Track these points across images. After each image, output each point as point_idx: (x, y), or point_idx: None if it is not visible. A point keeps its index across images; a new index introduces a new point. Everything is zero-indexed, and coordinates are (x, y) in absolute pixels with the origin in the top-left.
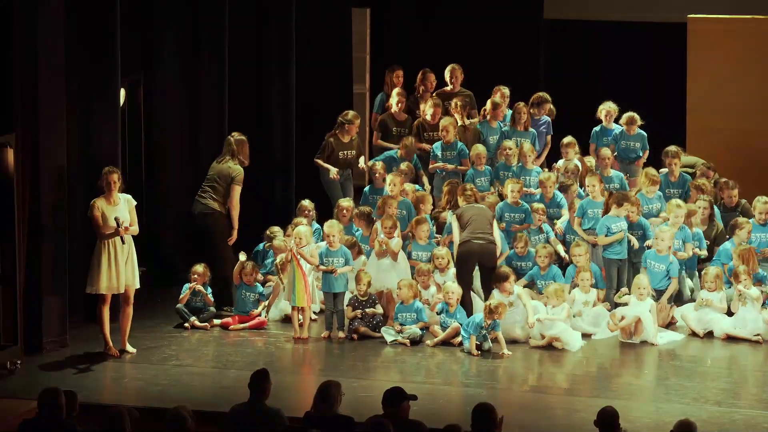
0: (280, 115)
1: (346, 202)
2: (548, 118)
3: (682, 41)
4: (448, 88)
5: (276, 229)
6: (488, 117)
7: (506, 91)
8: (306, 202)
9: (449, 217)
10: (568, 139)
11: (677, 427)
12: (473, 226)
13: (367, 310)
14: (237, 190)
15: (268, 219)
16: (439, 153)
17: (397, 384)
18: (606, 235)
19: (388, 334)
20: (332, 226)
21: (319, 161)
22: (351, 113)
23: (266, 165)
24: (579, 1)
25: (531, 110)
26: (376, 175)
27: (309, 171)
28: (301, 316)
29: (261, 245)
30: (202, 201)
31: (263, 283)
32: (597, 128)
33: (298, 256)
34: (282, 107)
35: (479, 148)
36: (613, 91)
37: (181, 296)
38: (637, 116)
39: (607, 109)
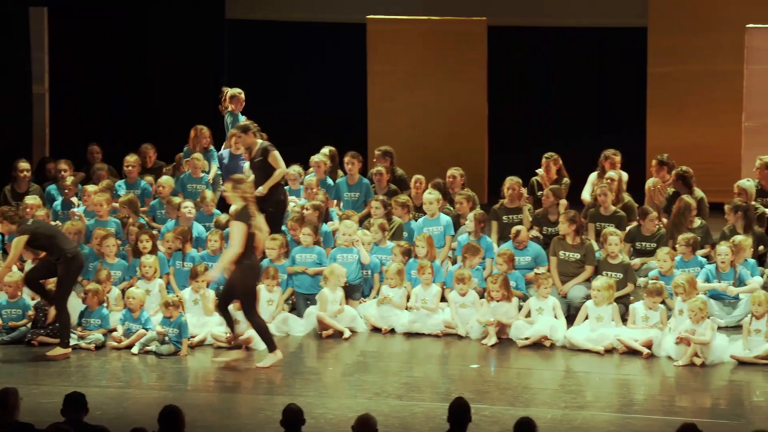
0: None
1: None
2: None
3: (363, 42)
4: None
5: None
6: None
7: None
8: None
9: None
10: None
11: (356, 421)
12: None
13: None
14: None
15: None
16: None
17: (79, 389)
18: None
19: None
20: None
21: None
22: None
23: None
24: (260, 2)
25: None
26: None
27: None
28: None
29: None
30: None
31: None
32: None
33: None
34: None
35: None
36: (297, 92)
37: None
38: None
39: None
